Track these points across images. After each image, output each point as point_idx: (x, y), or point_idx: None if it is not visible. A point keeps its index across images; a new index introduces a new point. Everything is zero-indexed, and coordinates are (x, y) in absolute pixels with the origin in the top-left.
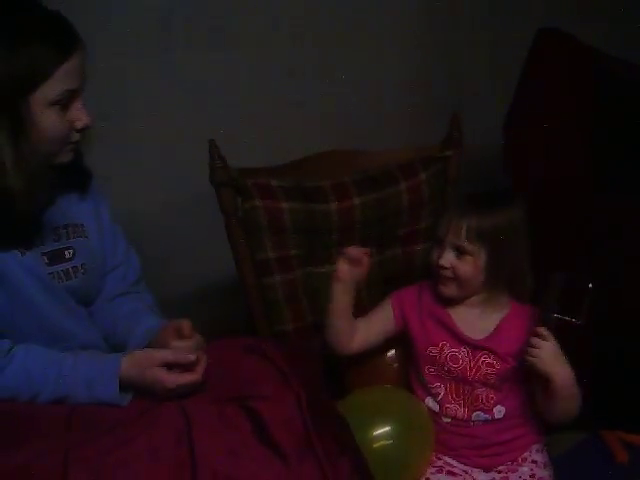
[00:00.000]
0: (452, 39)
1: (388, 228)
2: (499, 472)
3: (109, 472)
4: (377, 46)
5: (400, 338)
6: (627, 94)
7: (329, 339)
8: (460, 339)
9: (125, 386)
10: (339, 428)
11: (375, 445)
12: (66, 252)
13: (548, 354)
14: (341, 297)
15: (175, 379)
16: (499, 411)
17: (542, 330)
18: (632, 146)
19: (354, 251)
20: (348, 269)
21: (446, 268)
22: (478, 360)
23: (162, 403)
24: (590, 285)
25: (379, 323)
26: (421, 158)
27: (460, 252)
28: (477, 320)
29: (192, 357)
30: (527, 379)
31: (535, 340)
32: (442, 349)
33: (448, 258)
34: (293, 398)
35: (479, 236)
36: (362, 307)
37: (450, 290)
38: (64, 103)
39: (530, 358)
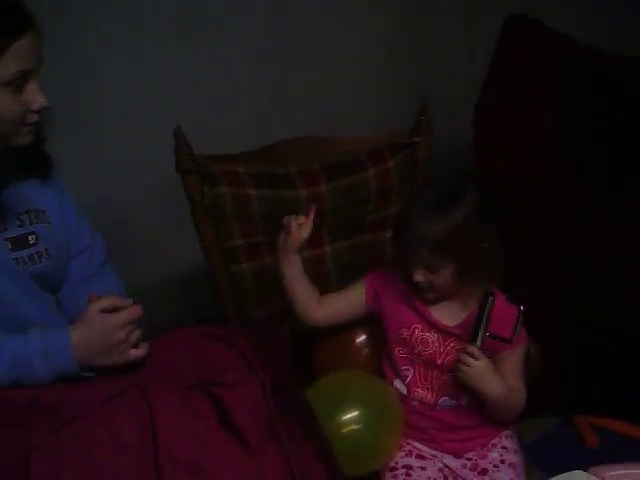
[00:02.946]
0: (424, 24)
1: (357, 215)
2: (469, 459)
3: (71, 461)
4: (348, 31)
5: (373, 322)
6: (597, 80)
7: (293, 310)
8: (431, 324)
9: (82, 354)
10: (304, 414)
11: (344, 430)
12: (29, 237)
13: (475, 373)
14: (285, 269)
15: (119, 315)
16: (467, 397)
17: (472, 349)
18: (602, 132)
19: (286, 220)
20: (283, 239)
21: (421, 282)
22: (448, 345)
23: (125, 391)
24: (521, 307)
25: (349, 299)
26: (390, 144)
27: (430, 267)
28: (451, 307)
29: (129, 300)
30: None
31: (464, 357)
32: (413, 332)
33: (420, 274)
34: (257, 385)
35: (443, 252)
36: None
37: (428, 296)
38: (18, 84)
39: (459, 373)
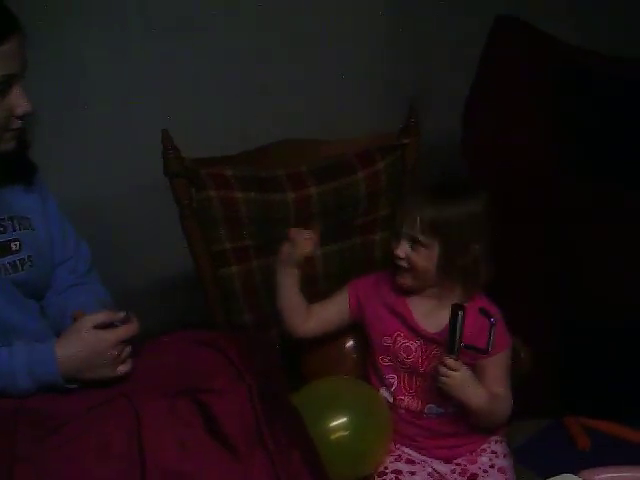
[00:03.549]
0: (412, 26)
1: (346, 217)
2: (459, 464)
3: (56, 470)
4: (334, 34)
5: (359, 328)
6: (585, 79)
7: (282, 321)
8: (414, 331)
9: (68, 369)
10: (291, 420)
11: (332, 436)
12: (12, 244)
13: (456, 383)
14: (283, 279)
15: (114, 333)
16: (453, 405)
17: (449, 361)
18: (592, 130)
19: (293, 232)
20: (287, 250)
21: (402, 258)
22: (430, 352)
23: (111, 399)
24: (492, 320)
25: (334, 309)
26: (379, 146)
27: (415, 243)
28: (433, 312)
29: (122, 314)
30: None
31: (442, 369)
32: (396, 340)
33: (403, 249)
34: (244, 391)
35: (433, 228)
36: (320, 297)
37: (406, 280)
38: (2, 89)
39: (439, 384)
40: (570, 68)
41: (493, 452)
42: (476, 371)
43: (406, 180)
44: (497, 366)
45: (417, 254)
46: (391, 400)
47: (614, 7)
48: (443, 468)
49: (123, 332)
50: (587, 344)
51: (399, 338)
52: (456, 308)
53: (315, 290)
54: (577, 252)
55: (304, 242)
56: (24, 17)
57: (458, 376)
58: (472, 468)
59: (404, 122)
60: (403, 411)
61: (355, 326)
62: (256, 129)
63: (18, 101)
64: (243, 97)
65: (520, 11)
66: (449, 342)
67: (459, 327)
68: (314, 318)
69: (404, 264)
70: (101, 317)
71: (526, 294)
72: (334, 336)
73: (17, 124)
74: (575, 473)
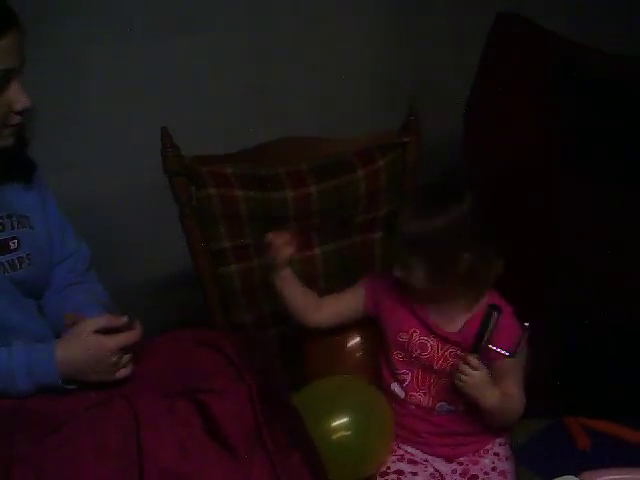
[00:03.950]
0: (412, 24)
1: (346, 216)
2: (460, 463)
3: (55, 470)
4: (335, 32)
5: (364, 325)
6: (585, 77)
7: (292, 315)
8: (430, 329)
9: (67, 371)
10: (291, 421)
11: (334, 436)
12: (11, 242)
13: (474, 382)
14: (279, 283)
15: (115, 339)
16: (464, 403)
17: (472, 359)
18: (593, 129)
19: (269, 237)
20: (270, 255)
21: (400, 278)
22: (446, 351)
23: (110, 399)
24: (526, 324)
25: (350, 301)
26: (379, 145)
27: (404, 266)
28: (449, 313)
29: (124, 318)
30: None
31: (464, 367)
32: (412, 336)
33: (398, 270)
34: (244, 391)
35: (413, 252)
36: (321, 295)
37: (411, 294)
38: (0, 84)
39: (457, 382)
40: (571, 65)
41: (496, 454)
42: (492, 370)
43: (406, 179)
44: (513, 366)
45: (408, 274)
46: (402, 396)
47: (615, 4)
48: (445, 468)
49: (124, 339)
50: (587, 344)
51: (415, 334)
52: (491, 309)
53: (315, 289)
54: (577, 252)
55: (283, 246)
56: (25, 16)
57: (478, 375)
58: (474, 469)
59: (404, 120)
60: (413, 407)
61: (359, 323)
62: (256, 129)
63: (17, 96)
64: (243, 97)
65: (520, 8)
66: (477, 341)
67: (490, 328)
68: (326, 310)
69: (403, 282)
70: (102, 321)
71: (526, 294)
72: (337, 333)
73: (16, 120)
74: (575, 473)
